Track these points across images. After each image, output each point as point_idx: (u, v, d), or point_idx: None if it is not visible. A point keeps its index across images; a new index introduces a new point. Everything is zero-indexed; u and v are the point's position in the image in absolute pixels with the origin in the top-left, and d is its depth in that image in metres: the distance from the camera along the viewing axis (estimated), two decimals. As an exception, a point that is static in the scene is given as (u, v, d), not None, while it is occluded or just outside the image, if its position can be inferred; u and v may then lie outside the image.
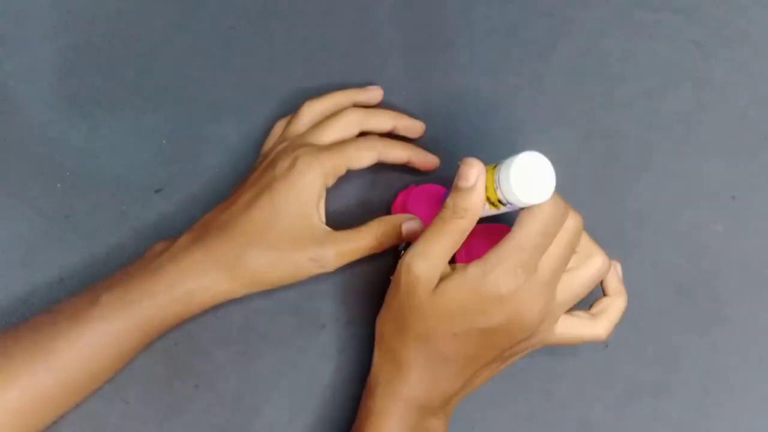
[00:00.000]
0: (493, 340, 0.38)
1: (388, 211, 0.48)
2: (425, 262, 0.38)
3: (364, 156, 0.45)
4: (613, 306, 0.42)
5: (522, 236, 0.37)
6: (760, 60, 0.54)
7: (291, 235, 0.42)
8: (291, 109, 0.51)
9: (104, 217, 0.48)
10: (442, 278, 0.38)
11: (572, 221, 0.38)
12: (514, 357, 0.41)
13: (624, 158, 0.51)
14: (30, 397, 0.39)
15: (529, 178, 0.36)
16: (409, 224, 0.44)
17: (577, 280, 0.40)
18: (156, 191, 0.49)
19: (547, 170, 0.37)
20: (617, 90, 0.53)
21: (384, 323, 0.41)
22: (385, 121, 0.47)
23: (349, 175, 0.49)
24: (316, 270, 0.42)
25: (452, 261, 0.47)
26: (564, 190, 0.50)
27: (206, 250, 0.41)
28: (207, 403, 0.44)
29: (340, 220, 0.48)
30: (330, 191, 0.48)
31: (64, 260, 0.47)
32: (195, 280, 0.41)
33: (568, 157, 0.51)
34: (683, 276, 0.49)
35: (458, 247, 0.39)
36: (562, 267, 0.38)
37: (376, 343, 0.42)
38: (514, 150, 0.52)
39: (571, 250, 0.39)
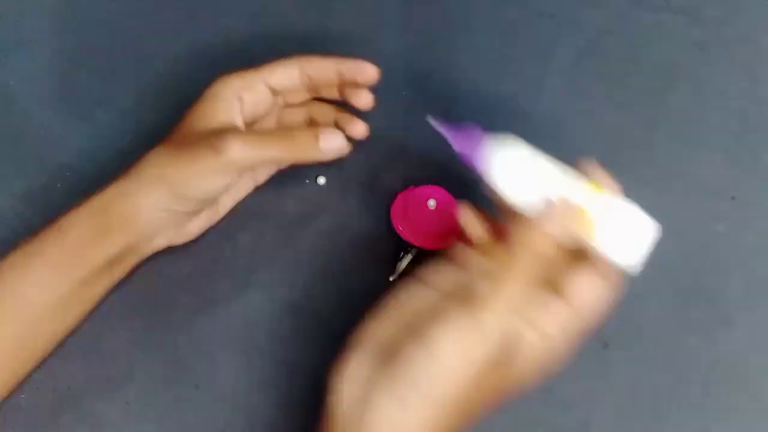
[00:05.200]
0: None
1: (387, 216, 0.48)
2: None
3: (278, 68, 0.43)
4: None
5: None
6: (760, 60, 0.54)
7: (195, 136, 0.41)
8: (291, 109, 0.51)
9: (104, 217, 0.48)
10: None
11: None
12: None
13: (624, 158, 0.51)
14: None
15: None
16: (328, 139, 0.41)
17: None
18: (156, 191, 0.49)
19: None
20: (617, 90, 0.53)
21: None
22: (326, 64, 0.44)
23: (349, 180, 0.49)
24: (210, 155, 0.39)
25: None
26: (564, 190, 0.50)
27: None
28: (207, 403, 0.44)
29: (338, 224, 0.48)
30: (328, 197, 0.48)
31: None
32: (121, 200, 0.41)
33: (568, 157, 0.51)
34: (683, 276, 0.49)
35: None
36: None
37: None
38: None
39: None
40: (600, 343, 0.47)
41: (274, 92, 0.44)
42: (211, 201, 0.44)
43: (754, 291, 0.48)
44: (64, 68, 0.51)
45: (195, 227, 0.45)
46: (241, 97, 0.42)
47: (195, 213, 0.44)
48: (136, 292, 0.46)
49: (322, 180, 0.49)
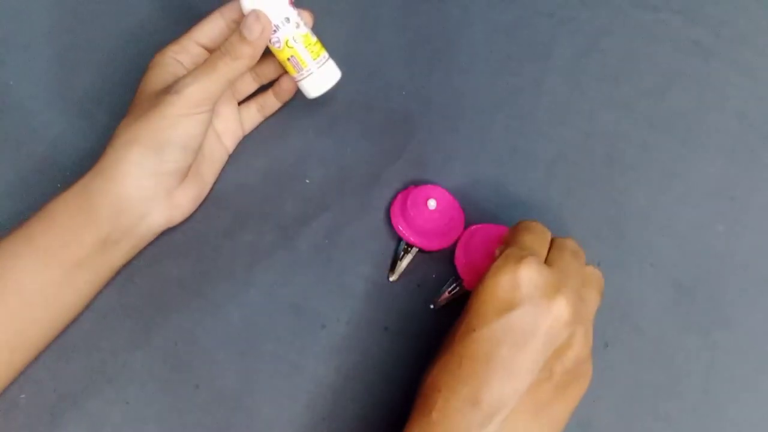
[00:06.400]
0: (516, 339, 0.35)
1: (386, 213, 0.48)
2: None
3: (204, 24, 0.45)
4: None
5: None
6: (760, 60, 0.54)
7: (151, 97, 0.43)
8: (289, 109, 0.51)
9: (104, 217, 0.48)
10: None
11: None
12: (565, 373, 0.37)
13: (624, 158, 0.51)
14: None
15: None
16: (247, 22, 0.42)
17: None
18: (156, 191, 0.49)
19: None
20: (617, 90, 0.53)
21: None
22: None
23: (349, 178, 0.50)
24: (171, 99, 0.41)
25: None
26: (565, 190, 0.50)
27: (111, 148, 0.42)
28: (207, 403, 0.44)
29: (338, 224, 0.48)
30: (328, 197, 0.48)
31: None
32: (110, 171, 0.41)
33: (568, 157, 0.51)
34: (683, 276, 0.49)
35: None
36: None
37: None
38: (514, 151, 0.52)
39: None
40: (600, 343, 0.47)
41: (208, 48, 0.46)
42: (188, 154, 0.43)
43: (754, 291, 0.48)
44: (64, 68, 0.51)
45: (185, 198, 0.45)
46: (179, 60, 0.45)
47: (178, 175, 0.44)
48: (136, 292, 0.46)
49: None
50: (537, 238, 0.39)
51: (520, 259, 0.36)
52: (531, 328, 0.35)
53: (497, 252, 0.42)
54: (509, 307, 0.35)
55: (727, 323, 0.48)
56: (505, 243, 0.40)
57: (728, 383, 0.46)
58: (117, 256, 0.43)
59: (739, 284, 0.49)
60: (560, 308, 0.35)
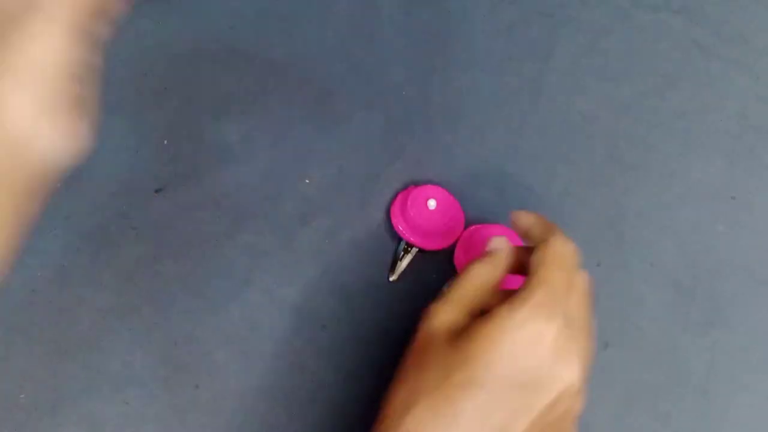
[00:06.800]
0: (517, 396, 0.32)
1: (387, 216, 0.48)
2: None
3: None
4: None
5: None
6: (760, 60, 0.54)
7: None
8: (289, 109, 0.51)
9: (104, 217, 0.48)
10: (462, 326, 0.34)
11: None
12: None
13: (624, 158, 0.51)
14: None
15: None
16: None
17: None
18: (156, 191, 0.49)
19: None
20: (617, 90, 0.53)
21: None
22: None
23: (349, 180, 0.50)
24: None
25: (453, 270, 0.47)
26: (564, 190, 0.50)
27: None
28: (207, 403, 0.44)
29: (338, 224, 0.48)
30: (328, 197, 0.48)
31: (64, 260, 0.47)
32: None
33: (568, 157, 0.51)
34: (683, 276, 0.49)
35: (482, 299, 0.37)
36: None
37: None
38: (514, 152, 0.52)
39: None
40: (600, 343, 0.47)
41: None
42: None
43: (754, 291, 0.48)
44: (64, 68, 0.51)
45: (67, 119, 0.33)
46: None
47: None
48: (136, 292, 0.46)
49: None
50: (569, 279, 0.34)
51: (550, 319, 0.32)
52: (539, 397, 0.32)
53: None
54: (525, 370, 0.32)
55: (727, 323, 0.48)
56: (530, 271, 0.34)
57: (728, 383, 0.46)
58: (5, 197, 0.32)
59: (739, 284, 0.49)
60: (572, 377, 0.32)
